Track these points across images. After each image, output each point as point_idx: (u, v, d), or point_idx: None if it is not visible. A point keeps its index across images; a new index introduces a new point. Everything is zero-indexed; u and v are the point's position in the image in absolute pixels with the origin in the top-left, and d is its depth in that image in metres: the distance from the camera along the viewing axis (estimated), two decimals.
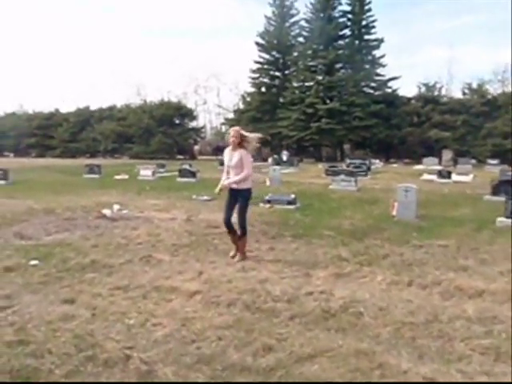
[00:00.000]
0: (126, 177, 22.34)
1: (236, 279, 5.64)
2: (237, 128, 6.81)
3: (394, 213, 10.87)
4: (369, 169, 23.64)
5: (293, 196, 12.43)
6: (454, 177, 20.45)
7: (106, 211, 9.94)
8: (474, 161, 32.52)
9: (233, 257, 6.68)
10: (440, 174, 20.36)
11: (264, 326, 4.21)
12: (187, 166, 23.48)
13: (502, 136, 33.43)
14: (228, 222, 6.70)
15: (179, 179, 20.05)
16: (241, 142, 6.53)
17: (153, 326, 4.22)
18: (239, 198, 6.59)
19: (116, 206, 10.28)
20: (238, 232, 6.76)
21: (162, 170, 26.80)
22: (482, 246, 7.47)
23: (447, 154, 35.38)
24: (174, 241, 7.85)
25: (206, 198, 13.53)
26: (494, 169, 29.04)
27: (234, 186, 6.55)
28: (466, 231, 8.89)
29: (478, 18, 76.99)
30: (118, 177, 22.34)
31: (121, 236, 8.18)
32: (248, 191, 6.65)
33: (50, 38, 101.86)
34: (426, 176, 23.24)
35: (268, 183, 18.58)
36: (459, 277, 5.71)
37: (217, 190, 6.84)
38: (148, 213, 10.91)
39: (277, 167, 19.14)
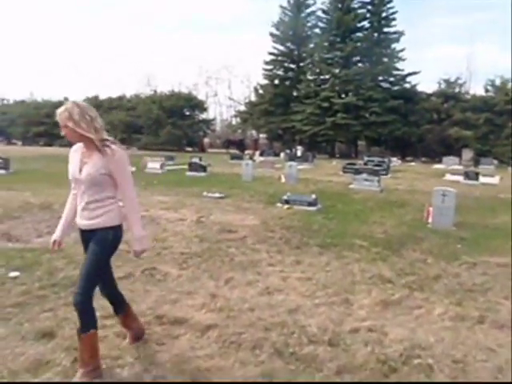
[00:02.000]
0: (133, 169, 21.17)
1: (260, 306, 4.52)
2: (64, 112, 3.09)
3: (430, 220, 9.70)
4: (388, 167, 22.37)
5: (314, 196, 11.27)
6: (481, 178, 19.11)
7: None
8: (495, 161, 31.02)
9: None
10: (467, 174, 19.05)
11: None
12: (197, 160, 22.37)
13: None
14: (106, 290, 3.55)
15: (189, 173, 18.96)
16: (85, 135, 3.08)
17: (154, 380, 3.11)
18: (94, 245, 3.19)
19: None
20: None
21: (170, 162, 25.74)
22: None
23: (467, 154, 33.88)
24: (183, 248, 6.74)
25: (217, 195, 12.43)
26: None
27: (84, 223, 3.23)
28: None
29: (492, 15, 74.83)
30: None
31: (122, 240, 7.07)
32: (114, 232, 3.24)
33: (61, 25, 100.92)
34: (449, 176, 21.94)
35: (283, 180, 17.43)
36: None
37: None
38: (154, 211, 9.82)
39: (293, 163, 17.94)
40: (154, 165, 20.37)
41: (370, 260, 6.40)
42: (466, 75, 41.76)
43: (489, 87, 36.82)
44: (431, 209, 9.79)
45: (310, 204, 11.01)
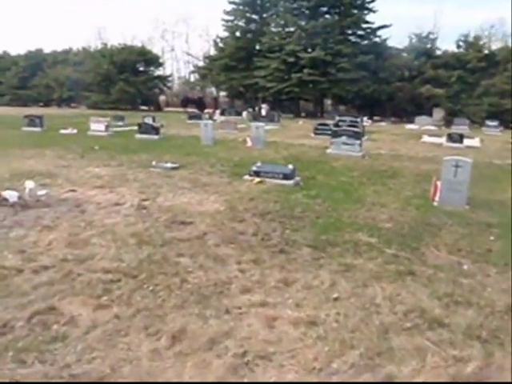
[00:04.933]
0: (75, 131, 18.35)
1: None
2: None
3: (437, 197, 7.74)
4: (363, 128, 20.34)
5: (291, 167, 9.05)
6: (466, 141, 17.43)
7: (10, 193, 6.29)
8: (467, 121, 29.61)
9: None
10: (450, 137, 17.28)
11: None
12: (149, 120, 19.59)
13: (499, 95, 30.48)
14: None
15: (138, 136, 16.25)
16: None
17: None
18: None
19: (29, 184, 6.63)
20: None
21: (120, 123, 22.78)
22: None
23: (438, 113, 32.43)
24: (110, 260, 4.41)
25: (169, 165, 10.00)
26: (493, 131, 26.35)
27: None
28: None
29: None
30: (64, 131, 18.33)
31: (16, 248, 4.66)
32: None
33: None
34: (427, 138, 20.22)
35: (249, 143, 15.08)
36: None
37: None
38: (83, 192, 7.35)
39: (260, 124, 15.55)
40: (98, 126, 17.45)
41: (394, 275, 4.29)
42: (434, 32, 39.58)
43: (461, 43, 35.02)
44: (439, 183, 7.83)
45: (286, 177, 8.80)
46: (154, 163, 10.04)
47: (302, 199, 7.45)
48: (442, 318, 3.44)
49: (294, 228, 5.77)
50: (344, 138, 13.19)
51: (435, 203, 7.60)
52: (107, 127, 17.22)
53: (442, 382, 2.67)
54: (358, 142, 13.06)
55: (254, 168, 9.13)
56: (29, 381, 2.54)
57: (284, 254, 4.81)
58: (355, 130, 13.90)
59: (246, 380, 2.66)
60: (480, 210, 7.23)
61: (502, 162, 13.11)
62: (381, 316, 3.48)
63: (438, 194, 7.79)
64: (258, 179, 8.83)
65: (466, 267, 4.72)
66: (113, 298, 3.63)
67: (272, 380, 2.66)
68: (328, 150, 13.40)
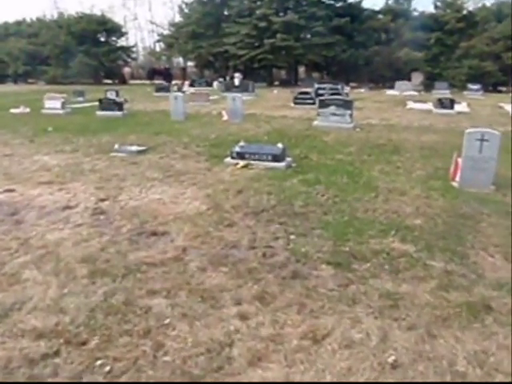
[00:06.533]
0: (27, 110, 16.27)
1: None
2: None
3: (458, 177, 6.53)
4: (347, 96, 18.93)
5: (280, 146, 7.62)
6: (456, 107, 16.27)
7: None
8: (447, 85, 28.56)
9: None
10: (440, 102, 16.07)
11: None
12: (112, 95, 17.64)
13: (479, 57, 29.41)
14: None
15: (100, 113, 14.41)
16: None
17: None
18: None
19: None
20: None
21: (80, 98, 20.64)
22: None
23: (417, 78, 31.30)
24: (46, 312, 2.96)
25: (135, 148, 8.44)
26: (475, 95, 25.37)
27: None
28: None
29: None
30: (14, 110, 16.23)
31: None
32: None
33: None
34: (413, 104, 19.04)
35: (225, 117, 13.52)
36: None
37: None
38: (24, 191, 5.77)
39: (237, 95, 13.93)
40: (53, 103, 15.44)
41: (465, 312, 2.99)
42: None
43: (438, 3, 33.56)
44: (460, 160, 6.58)
45: (276, 158, 7.39)
46: (116, 146, 8.42)
47: (299, 187, 6.08)
48: None
49: (300, 232, 4.41)
50: (333, 109, 11.77)
51: (455, 184, 6.42)
52: (64, 104, 15.26)
53: (442, 382, 2.38)
54: (349, 112, 11.67)
55: (237, 148, 7.67)
56: None
57: (298, 279, 3.45)
58: (344, 98, 12.49)
59: None
60: (509, 191, 6.06)
61: (505, 129, 11.97)
62: None
63: (458, 174, 6.58)
64: (242, 163, 7.40)
65: None
66: None
67: None
68: (315, 122, 11.98)
